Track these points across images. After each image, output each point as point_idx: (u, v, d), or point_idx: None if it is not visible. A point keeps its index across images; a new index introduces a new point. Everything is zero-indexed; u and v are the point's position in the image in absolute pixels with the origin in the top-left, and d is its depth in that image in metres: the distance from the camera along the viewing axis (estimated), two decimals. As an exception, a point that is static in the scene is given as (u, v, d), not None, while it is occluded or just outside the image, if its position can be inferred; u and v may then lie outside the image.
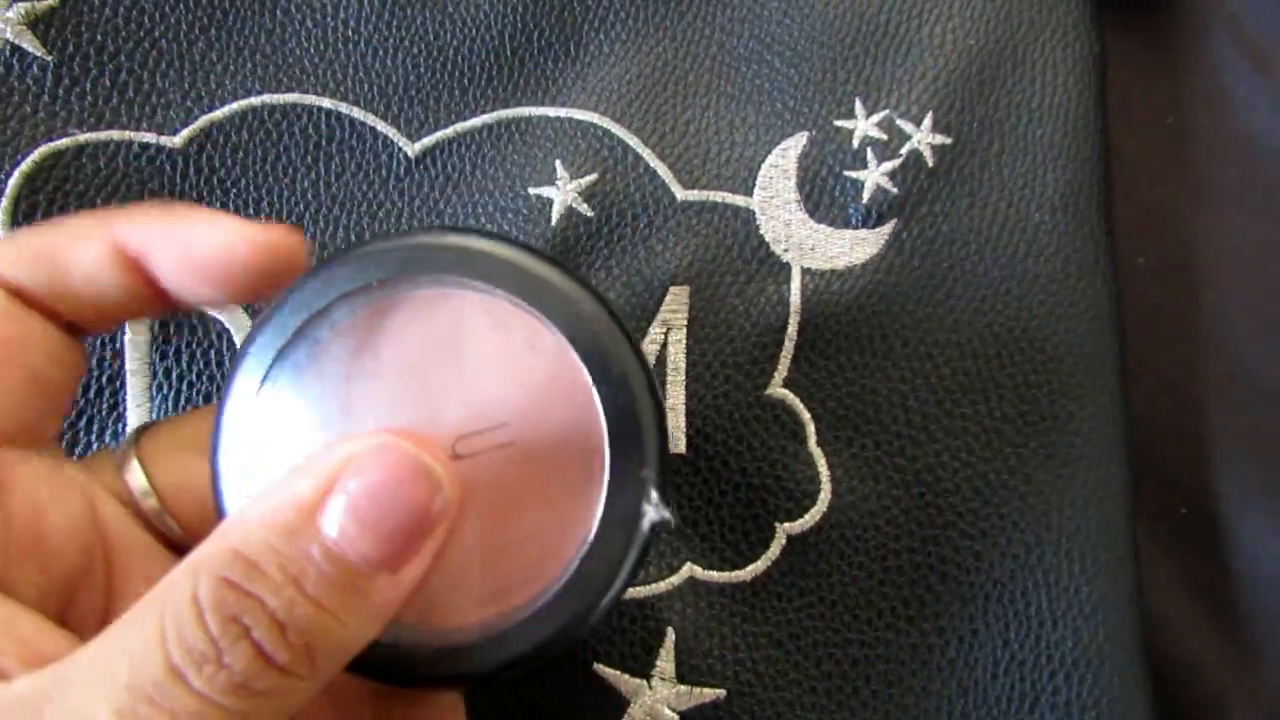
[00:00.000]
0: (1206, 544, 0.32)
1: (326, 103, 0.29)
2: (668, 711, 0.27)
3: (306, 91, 0.30)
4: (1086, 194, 0.29)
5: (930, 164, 0.30)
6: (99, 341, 0.28)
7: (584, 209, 0.29)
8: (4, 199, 0.28)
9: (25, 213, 0.28)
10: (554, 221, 0.29)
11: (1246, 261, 0.33)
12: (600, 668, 0.28)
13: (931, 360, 0.29)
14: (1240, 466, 0.32)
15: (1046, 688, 0.27)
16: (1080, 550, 0.27)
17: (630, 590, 0.28)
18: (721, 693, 0.28)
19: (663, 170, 0.29)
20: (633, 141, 0.29)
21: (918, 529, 0.28)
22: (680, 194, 0.29)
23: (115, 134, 0.29)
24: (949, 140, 0.30)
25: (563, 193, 0.29)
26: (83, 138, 0.28)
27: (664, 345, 0.29)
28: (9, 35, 0.28)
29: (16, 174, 0.28)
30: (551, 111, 0.30)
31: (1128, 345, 0.30)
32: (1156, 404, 0.32)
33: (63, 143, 0.28)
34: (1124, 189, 0.32)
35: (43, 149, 0.28)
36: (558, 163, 0.29)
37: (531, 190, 0.29)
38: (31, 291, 0.20)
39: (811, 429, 0.29)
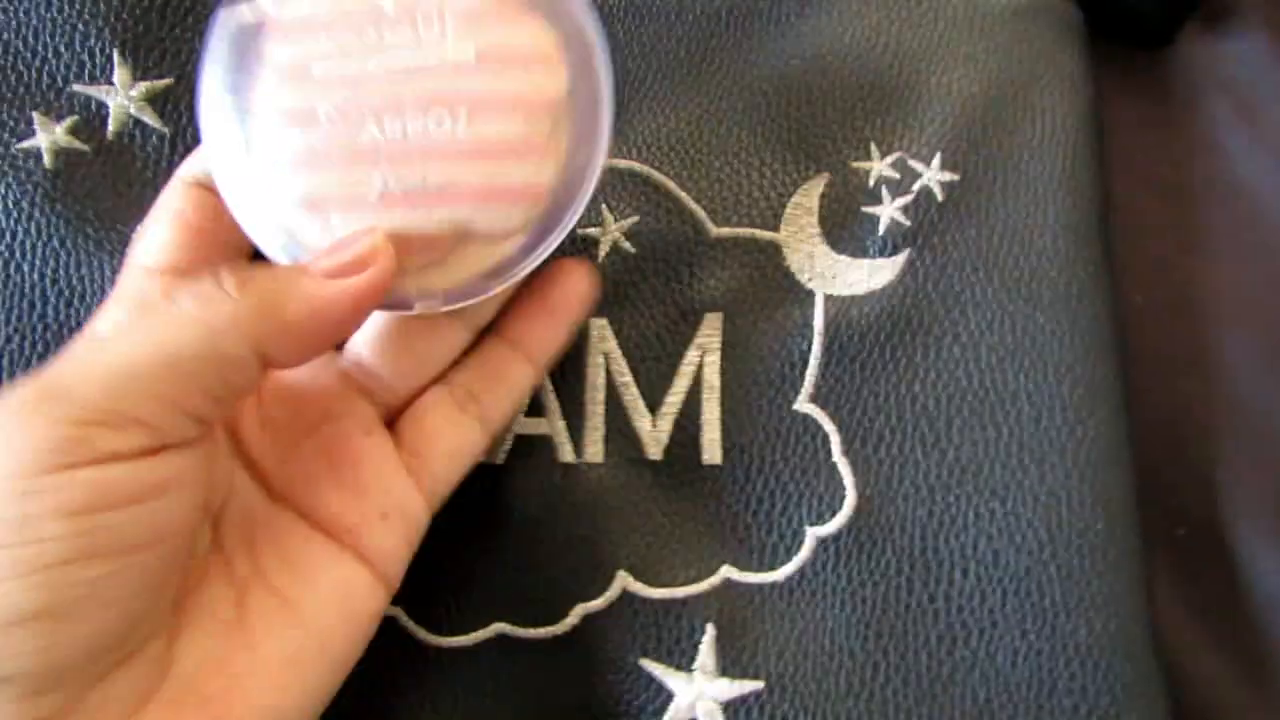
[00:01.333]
0: (1205, 565, 0.34)
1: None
2: (710, 703, 0.30)
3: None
4: (1085, 223, 0.32)
5: (940, 199, 0.33)
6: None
7: (627, 246, 0.32)
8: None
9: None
10: (600, 258, 0.32)
11: (1240, 302, 0.36)
12: (646, 663, 0.30)
13: (947, 374, 0.31)
14: (1238, 492, 0.34)
15: (1063, 674, 0.29)
16: (1090, 546, 0.30)
17: (671, 590, 0.31)
18: (760, 684, 0.30)
19: (697, 210, 0.33)
20: (670, 185, 0.33)
21: (939, 529, 0.30)
22: (714, 231, 0.33)
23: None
24: (956, 177, 0.33)
25: (608, 232, 0.32)
26: None
27: (700, 366, 0.32)
28: (133, 111, 0.32)
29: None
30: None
31: (1127, 379, 0.32)
32: (1154, 435, 0.34)
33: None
34: (1123, 237, 0.34)
35: None
36: (603, 206, 0.33)
37: (579, 231, 0.32)
38: None
39: (836, 440, 0.31)
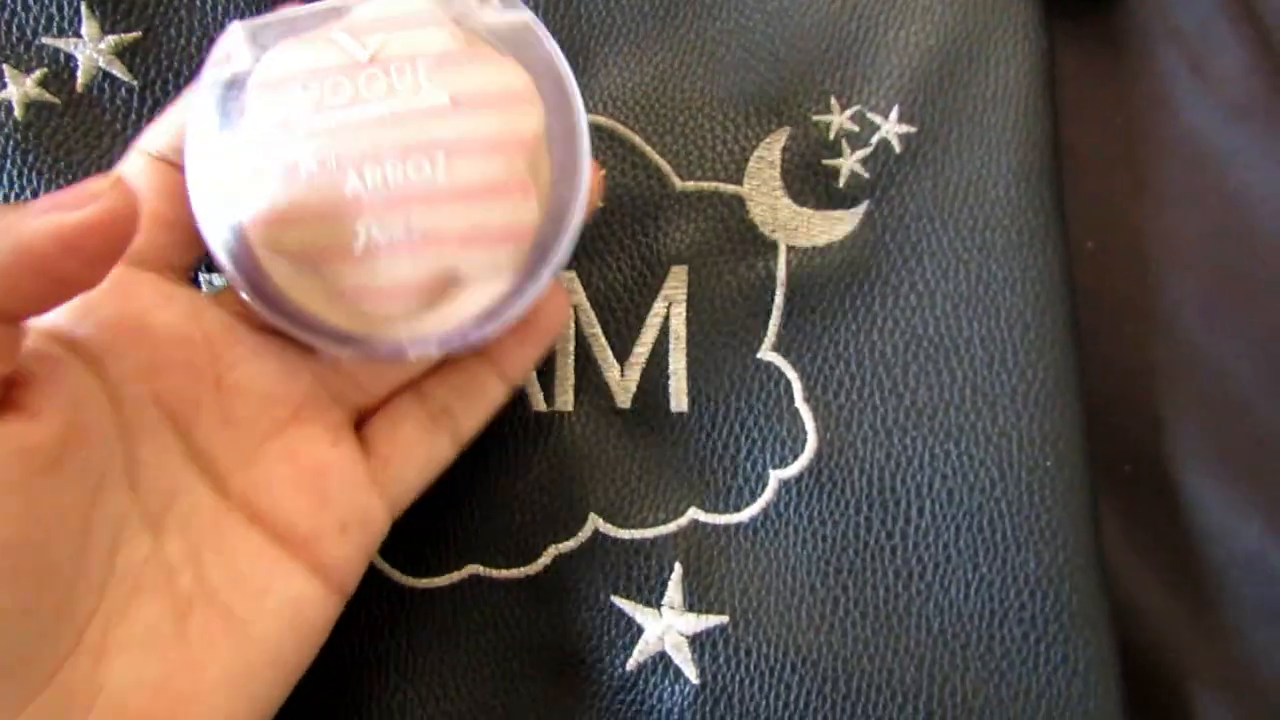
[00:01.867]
0: (1151, 500, 0.35)
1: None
2: (678, 636, 0.31)
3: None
4: (1038, 173, 0.33)
5: (898, 151, 0.33)
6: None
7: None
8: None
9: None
10: (568, 212, 0.33)
11: (1187, 247, 0.37)
12: (617, 599, 0.31)
13: (904, 323, 0.32)
14: (1182, 429, 0.35)
15: (1013, 605, 0.30)
16: (1040, 483, 0.31)
17: (640, 531, 0.32)
18: (725, 619, 0.31)
19: (662, 164, 0.33)
20: (635, 140, 0.34)
21: (896, 470, 0.32)
22: (679, 184, 0.33)
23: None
24: (913, 129, 0.33)
25: (575, 187, 0.33)
26: None
27: (666, 317, 0.33)
28: (101, 63, 0.33)
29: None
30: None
31: (1078, 325, 0.33)
32: (1104, 376, 0.35)
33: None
34: (1074, 182, 0.35)
35: None
36: (570, 161, 0.33)
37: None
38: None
39: (798, 387, 0.32)
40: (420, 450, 0.28)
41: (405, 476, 0.28)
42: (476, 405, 0.29)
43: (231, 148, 0.26)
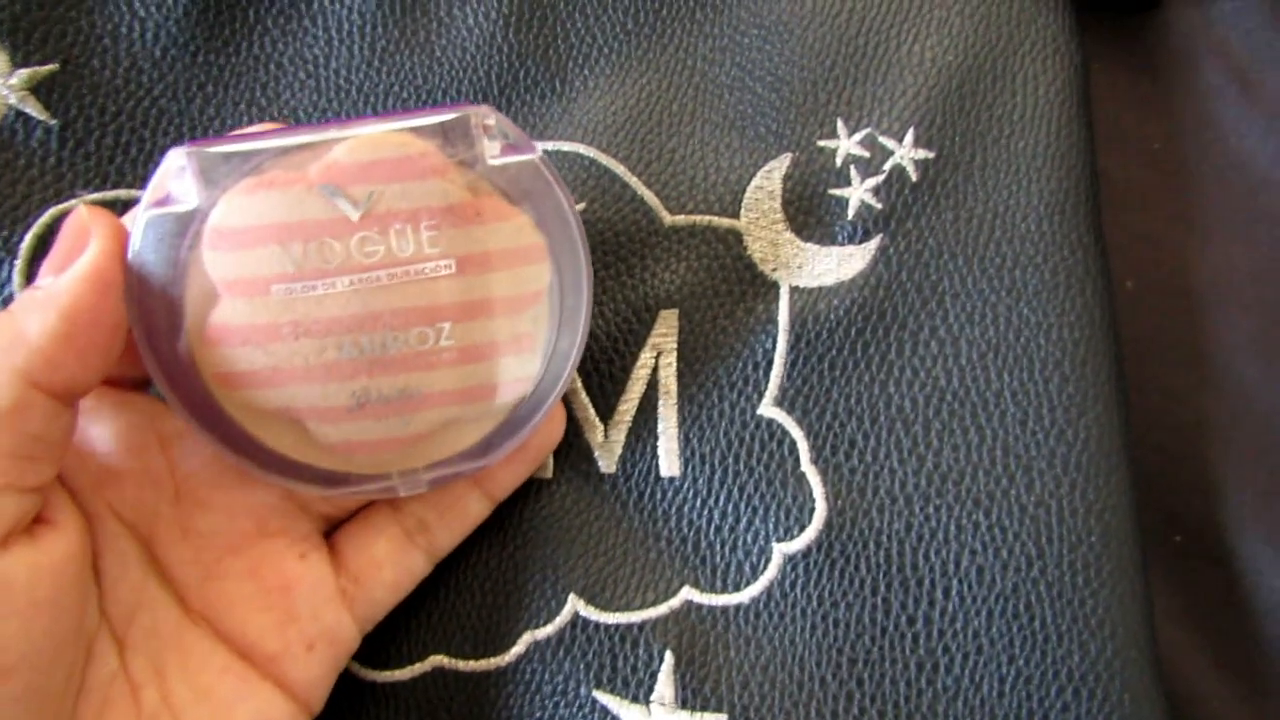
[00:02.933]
0: (1204, 573, 0.31)
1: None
2: (670, 738, 0.27)
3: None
4: (1074, 203, 0.29)
5: (914, 179, 0.30)
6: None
7: (572, 238, 0.29)
8: (19, 260, 0.29)
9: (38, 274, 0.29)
10: (543, 252, 0.29)
11: (1237, 285, 0.33)
12: (599, 694, 0.27)
13: (925, 374, 0.29)
14: (1239, 493, 0.31)
15: (1055, 705, 0.26)
16: (1084, 562, 0.27)
17: (626, 615, 0.28)
18: (724, 717, 0.27)
19: (649, 197, 0.30)
20: (619, 170, 0.30)
21: (918, 544, 0.28)
22: (668, 219, 0.30)
23: (121, 193, 0.30)
24: (931, 154, 0.30)
25: (551, 223, 0.29)
26: (90, 197, 0.29)
27: (655, 369, 0.29)
28: (13, 101, 0.29)
29: (29, 236, 0.29)
30: (540, 145, 0.30)
31: (1123, 375, 0.30)
32: (1148, 432, 0.31)
33: (70, 204, 0.29)
34: (1112, 215, 0.32)
35: (52, 210, 0.29)
36: (546, 194, 0.30)
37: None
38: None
39: (804, 447, 0.28)
40: (393, 568, 0.27)
41: (375, 595, 0.27)
42: (456, 523, 0.28)
43: (185, 298, 0.23)
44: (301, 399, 0.23)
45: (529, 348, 0.25)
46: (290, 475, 0.24)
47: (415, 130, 0.23)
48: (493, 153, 0.23)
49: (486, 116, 0.23)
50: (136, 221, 0.22)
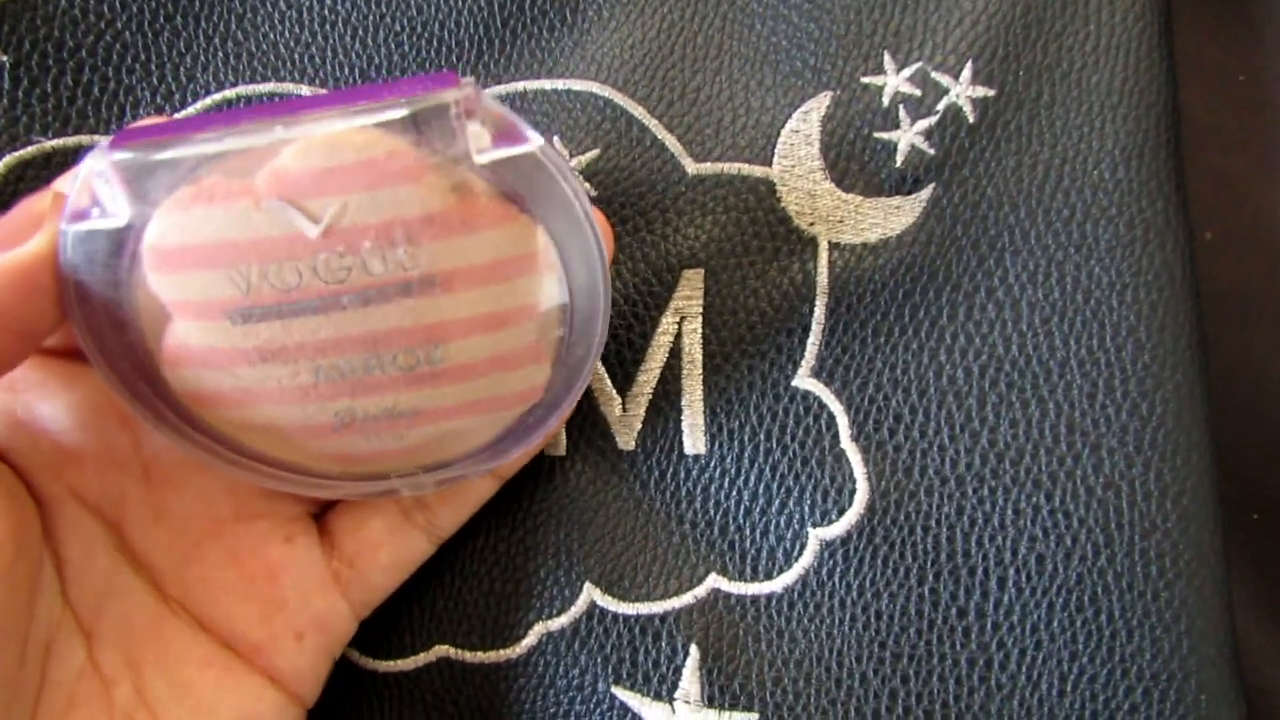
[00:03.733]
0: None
1: (305, 90, 0.27)
2: (696, 738, 0.25)
3: (284, 79, 0.27)
4: (1153, 146, 0.26)
5: (971, 120, 0.26)
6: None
7: (587, 187, 0.26)
8: (-23, 212, 0.26)
9: None
10: (554, 204, 0.26)
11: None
12: (619, 691, 0.25)
13: (980, 340, 0.26)
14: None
15: (1121, 706, 0.24)
16: (1159, 550, 0.24)
17: (648, 605, 0.26)
18: (754, 716, 0.25)
19: (671, 142, 0.27)
20: (637, 112, 0.27)
21: (971, 530, 0.25)
22: (692, 168, 0.27)
23: (84, 138, 0.27)
24: (992, 92, 0.26)
25: (562, 172, 0.26)
26: (49, 144, 0.27)
27: (678, 335, 0.26)
28: (-36, 34, 0.26)
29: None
30: (548, 84, 0.27)
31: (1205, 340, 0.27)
32: (1225, 397, 0.28)
33: (28, 151, 0.27)
34: (1190, 156, 0.29)
35: (8, 159, 0.26)
36: (556, 139, 0.27)
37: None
38: None
39: (844, 422, 0.26)
40: (391, 550, 0.25)
41: (371, 579, 0.25)
42: (459, 502, 0.26)
43: (138, 314, 0.20)
44: (281, 417, 0.21)
45: (536, 359, 0.22)
46: (282, 479, 0.22)
47: (380, 125, 0.18)
48: (480, 145, 0.19)
49: (469, 99, 0.18)
50: (61, 233, 0.19)
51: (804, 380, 0.26)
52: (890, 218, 0.26)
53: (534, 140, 0.19)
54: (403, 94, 0.18)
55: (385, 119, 0.18)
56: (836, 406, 0.26)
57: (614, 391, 0.26)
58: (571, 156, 0.26)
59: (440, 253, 0.19)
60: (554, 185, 0.20)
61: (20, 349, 0.20)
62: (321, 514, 0.25)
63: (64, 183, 0.21)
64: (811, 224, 0.26)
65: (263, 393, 0.20)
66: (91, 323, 0.20)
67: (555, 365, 0.22)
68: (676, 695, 0.25)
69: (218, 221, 0.19)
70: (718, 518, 0.26)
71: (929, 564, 0.25)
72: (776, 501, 0.26)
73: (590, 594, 0.26)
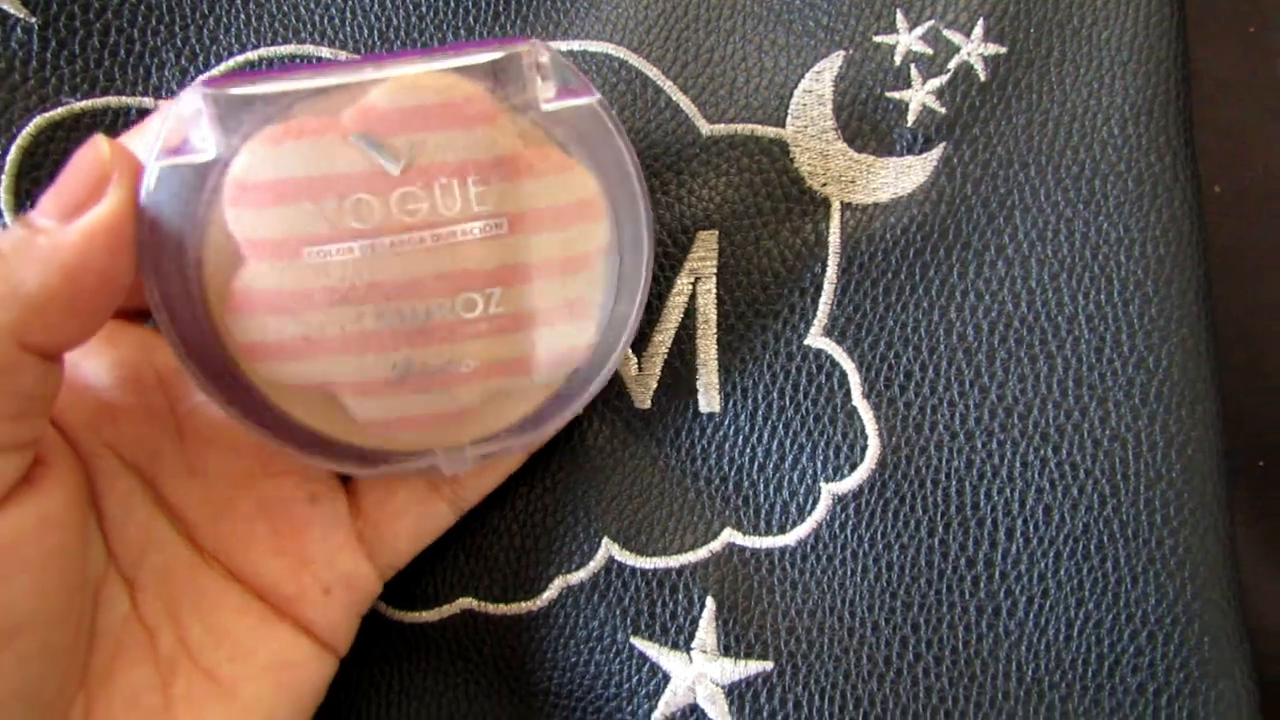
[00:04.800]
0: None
1: (325, 51, 0.28)
2: (712, 686, 0.26)
3: (304, 41, 0.28)
4: (1162, 104, 0.26)
5: (982, 78, 0.27)
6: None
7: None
8: (4, 176, 0.27)
9: (28, 190, 0.27)
10: (569, 167, 0.27)
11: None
12: (637, 641, 0.26)
13: (990, 298, 0.26)
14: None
15: (1127, 649, 0.25)
16: (1163, 499, 0.25)
17: (664, 559, 0.26)
18: (769, 665, 0.26)
19: (685, 104, 0.27)
20: (652, 73, 0.27)
21: (980, 483, 0.26)
22: (705, 129, 0.27)
23: (112, 100, 0.27)
24: (1003, 49, 0.26)
25: (577, 135, 0.27)
26: (78, 106, 0.27)
27: (692, 296, 0.27)
28: (-13, 0, 0.26)
29: (14, 149, 0.27)
30: (563, 45, 0.27)
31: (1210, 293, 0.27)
32: (1232, 350, 0.29)
33: (58, 112, 0.27)
34: (1198, 108, 0.29)
35: (38, 120, 0.27)
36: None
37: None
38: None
39: (856, 379, 0.26)
40: (415, 518, 0.25)
41: (397, 545, 0.25)
42: (488, 476, 0.26)
43: (205, 258, 0.20)
44: (337, 372, 0.21)
45: (584, 313, 0.22)
46: (323, 453, 0.23)
47: (461, 70, 0.20)
48: (547, 95, 0.21)
49: (540, 53, 0.20)
50: (148, 169, 0.20)
51: (816, 339, 0.26)
52: (902, 177, 0.27)
53: (594, 95, 0.21)
54: (484, 48, 0.20)
55: (468, 64, 0.20)
56: (848, 364, 0.26)
57: (630, 351, 0.27)
58: (586, 119, 0.27)
59: (507, 194, 0.21)
60: (609, 139, 0.21)
61: (110, 305, 0.20)
62: (349, 479, 0.26)
63: (131, 137, 0.22)
64: (824, 184, 0.27)
65: (323, 341, 0.21)
66: (160, 268, 0.20)
67: (600, 325, 0.23)
68: (694, 645, 0.26)
69: (305, 155, 0.20)
70: (732, 474, 0.27)
71: (939, 516, 0.26)
72: (790, 457, 0.26)
73: (609, 549, 0.27)
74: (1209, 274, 0.26)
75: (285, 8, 0.28)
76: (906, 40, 0.27)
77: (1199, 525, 0.25)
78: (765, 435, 0.26)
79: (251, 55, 0.28)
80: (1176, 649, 0.25)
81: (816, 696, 0.25)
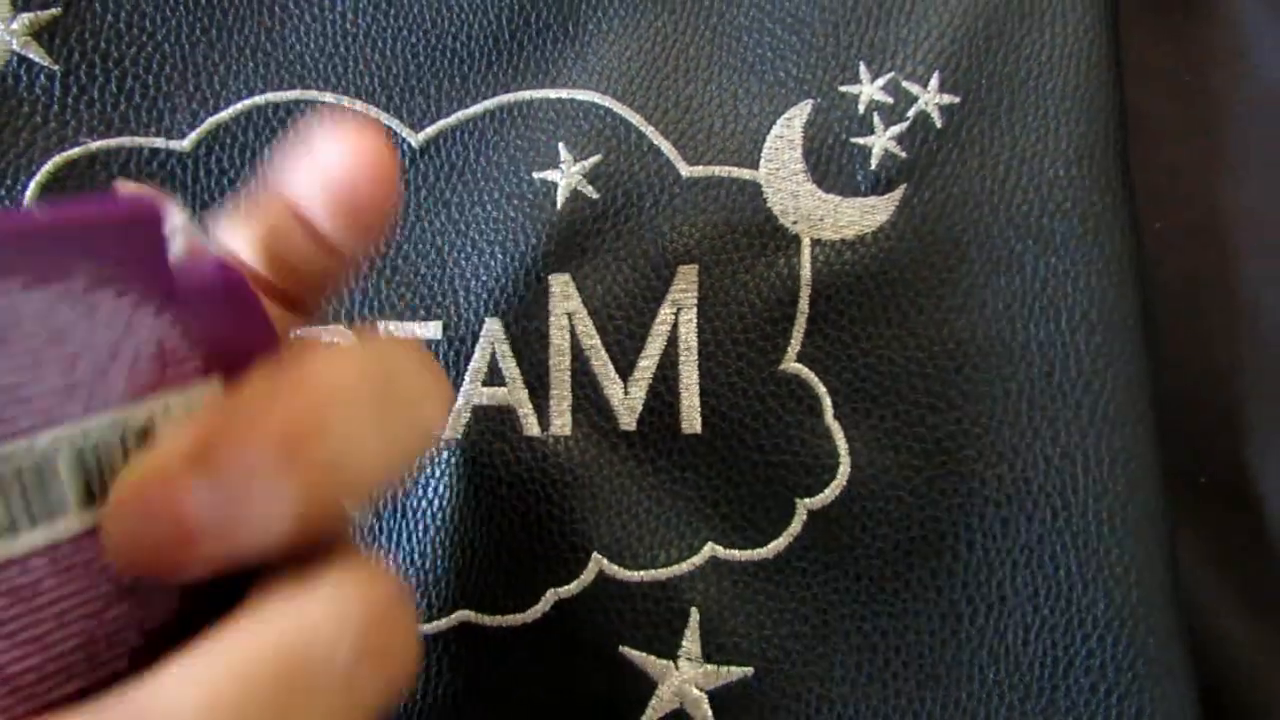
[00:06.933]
0: (1231, 515, 0.31)
1: (329, 97, 0.29)
2: (696, 691, 0.27)
3: (309, 87, 0.30)
4: (1102, 147, 0.28)
5: (939, 125, 0.29)
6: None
7: (589, 191, 0.29)
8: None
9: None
10: (559, 205, 0.29)
11: (1271, 225, 0.32)
12: (626, 650, 0.28)
13: (947, 327, 0.28)
14: (1266, 435, 0.31)
15: (1080, 651, 0.27)
16: (1110, 511, 0.27)
17: (651, 572, 0.28)
18: (749, 670, 0.27)
19: (666, 148, 0.29)
20: (635, 120, 0.29)
21: (941, 498, 0.28)
22: (685, 170, 0.29)
23: (125, 140, 0.29)
24: (957, 99, 0.29)
25: (567, 176, 0.29)
26: (94, 145, 0.29)
27: (675, 325, 0.29)
28: (15, 46, 0.28)
29: (33, 185, 0.28)
30: (552, 93, 0.29)
31: (1151, 322, 0.29)
32: (1175, 374, 0.31)
33: (75, 152, 0.29)
34: (1140, 152, 0.31)
35: (56, 159, 0.28)
36: (561, 145, 0.29)
37: (535, 175, 0.29)
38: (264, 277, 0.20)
39: (828, 402, 0.28)
40: None
41: None
42: None
43: None
44: None
45: None
46: None
47: None
48: None
49: None
50: None
51: (790, 365, 0.28)
52: (866, 216, 0.29)
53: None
54: None
55: None
56: (820, 388, 0.28)
57: (616, 375, 0.29)
58: (575, 161, 0.29)
59: None
60: None
61: None
62: None
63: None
64: (795, 223, 0.29)
65: None
66: None
67: None
68: (679, 652, 0.28)
69: None
70: (711, 491, 0.28)
71: (903, 530, 0.28)
72: (766, 475, 0.28)
73: (598, 563, 0.28)
74: (1148, 304, 0.28)
75: (291, 56, 0.30)
76: (869, 90, 0.29)
77: (1143, 535, 0.27)
78: (743, 455, 0.28)
79: (259, 100, 0.29)
80: (1124, 650, 0.27)
81: (792, 700, 0.27)
